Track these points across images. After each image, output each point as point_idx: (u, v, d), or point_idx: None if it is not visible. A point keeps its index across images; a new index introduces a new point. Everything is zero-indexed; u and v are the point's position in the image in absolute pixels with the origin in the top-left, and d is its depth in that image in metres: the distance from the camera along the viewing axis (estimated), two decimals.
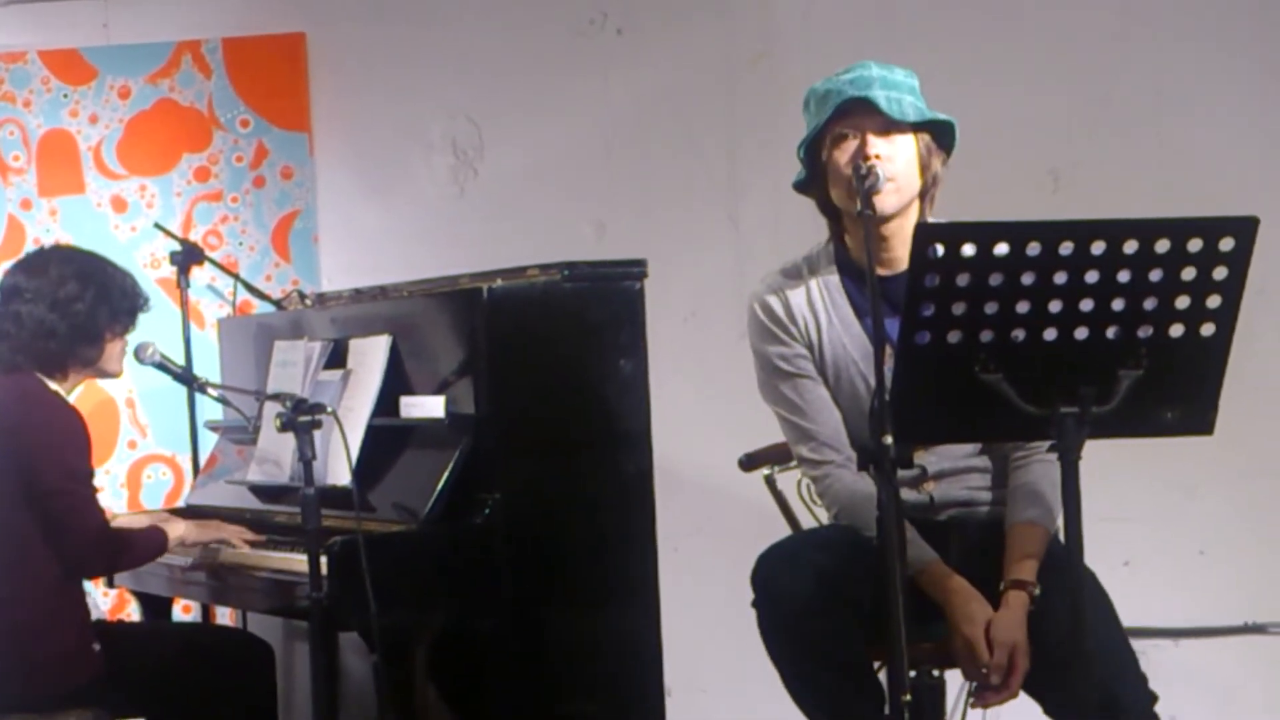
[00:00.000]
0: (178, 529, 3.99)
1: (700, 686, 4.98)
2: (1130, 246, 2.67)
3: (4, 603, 3.77)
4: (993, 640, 3.11)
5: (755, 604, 3.22)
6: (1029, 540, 3.22)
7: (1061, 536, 2.90)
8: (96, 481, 3.89)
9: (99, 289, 3.92)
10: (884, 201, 3.21)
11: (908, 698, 2.80)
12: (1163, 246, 2.67)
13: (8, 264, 4.13)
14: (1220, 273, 2.70)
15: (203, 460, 4.74)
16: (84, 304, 3.89)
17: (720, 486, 4.63)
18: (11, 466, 3.78)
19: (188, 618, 4.93)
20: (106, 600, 5.13)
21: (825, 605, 3.12)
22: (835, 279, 3.37)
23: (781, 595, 3.16)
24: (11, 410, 3.85)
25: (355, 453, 3.73)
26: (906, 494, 3.21)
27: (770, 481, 3.74)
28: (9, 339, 3.89)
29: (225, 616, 4.82)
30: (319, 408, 3.57)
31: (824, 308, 3.36)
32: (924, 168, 3.29)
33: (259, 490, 4.20)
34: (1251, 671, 4.91)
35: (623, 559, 3.82)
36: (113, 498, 5.23)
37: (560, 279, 3.78)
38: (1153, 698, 3.17)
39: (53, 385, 3.89)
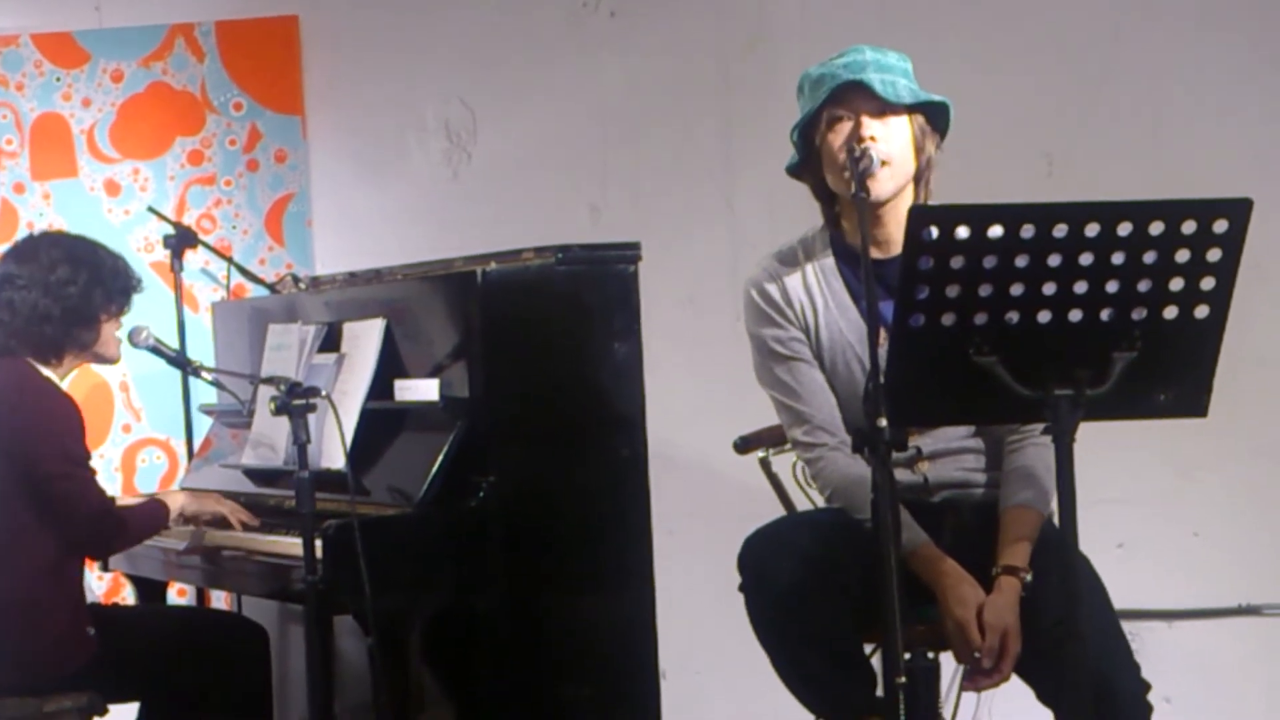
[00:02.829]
0: (176, 499, 4.00)
1: (695, 669, 4.98)
2: (1124, 229, 2.67)
3: None
4: (984, 624, 3.10)
5: (742, 588, 3.22)
6: (1022, 523, 3.21)
7: (1056, 519, 2.90)
8: (92, 464, 3.89)
9: (91, 271, 3.92)
10: (879, 186, 3.20)
11: (902, 680, 2.80)
12: (1157, 228, 2.67)
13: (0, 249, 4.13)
14: (1214, 254, 2.69)
15: (197, 444, 4.74)
16: (77, 286, 3.89)
17: (715, 469, 4.63)
18: (3, 452, 3.78)
19: (182, 601, 4.93)
20: (101, 584, 5.12)
21: (812, 588, 3.11)
22: (831, 263, 3.37)
23: (768, 579, 3.16)
24: (3, 396, 3.84)
25: (350, 436, 3.74)
26: (901, 475, 3.19)
27: (765, 464, 3.73)
28: (3, 326, 3.89)
29: (220, 600, 4.82)
30: (313, 391, 3.58)
31: (820, 291, 3.36)
32: (918, 150, 3.29)
33: (254, 474, 4.20)
34: (1246, 653, 4.91)
35: (617, 542, 3.82)
36: (107, 482, 5.20)
37: (555, 262, 3.77)
38: (1145, 686, 3.16)
39: (45, 371, 3.89)
